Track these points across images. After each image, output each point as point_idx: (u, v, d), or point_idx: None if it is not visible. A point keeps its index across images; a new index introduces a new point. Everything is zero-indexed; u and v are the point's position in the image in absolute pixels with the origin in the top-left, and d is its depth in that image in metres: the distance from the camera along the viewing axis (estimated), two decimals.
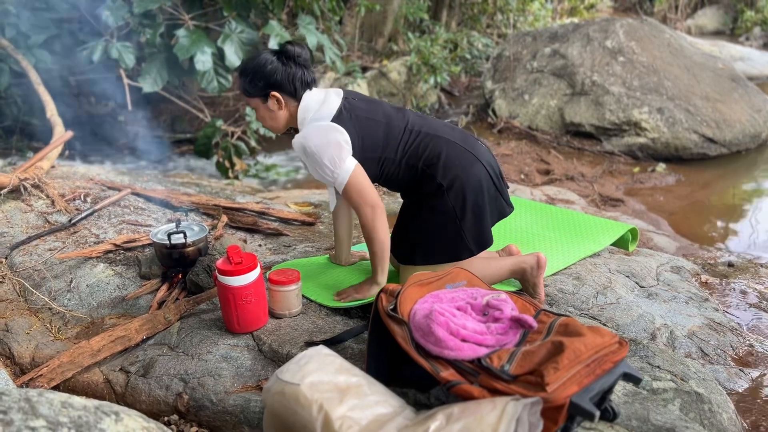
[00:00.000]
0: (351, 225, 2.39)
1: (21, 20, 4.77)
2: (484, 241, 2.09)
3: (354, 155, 1.97)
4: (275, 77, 1.98)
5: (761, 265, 2.91)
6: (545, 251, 2.54)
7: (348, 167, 1.95)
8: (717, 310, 2.33)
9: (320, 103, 2.01)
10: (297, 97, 2.02)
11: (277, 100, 2.00)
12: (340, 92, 2.06)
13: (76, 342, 2.13)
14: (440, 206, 2.02)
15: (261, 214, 3.01)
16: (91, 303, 2.33)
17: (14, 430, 1.08)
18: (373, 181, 2.07)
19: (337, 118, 1.97)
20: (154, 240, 2.29)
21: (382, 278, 2.10)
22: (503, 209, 2.15)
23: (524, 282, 2.14)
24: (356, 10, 7.55)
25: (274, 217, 3.04)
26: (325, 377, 1.37)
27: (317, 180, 2.15)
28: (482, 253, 2.18)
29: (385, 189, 2.20)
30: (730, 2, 13.53)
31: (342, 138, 1.94)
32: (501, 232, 2.74)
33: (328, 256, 2.55)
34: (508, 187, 2.21)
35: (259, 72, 1.98)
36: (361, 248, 2.58)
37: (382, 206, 2.01)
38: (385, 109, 2.09)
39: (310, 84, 2.03)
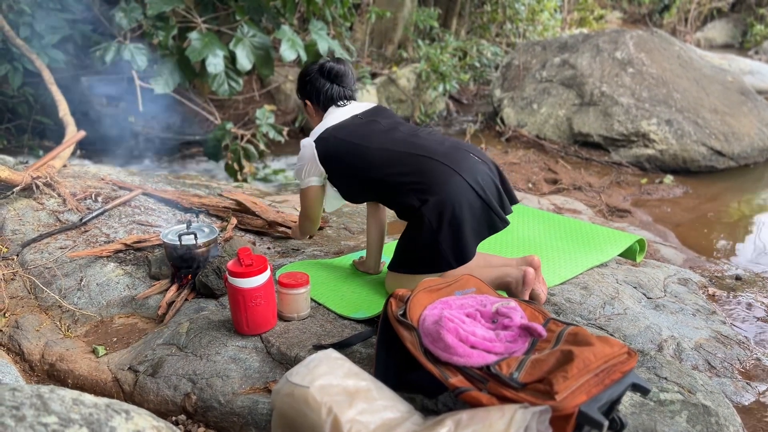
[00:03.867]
0: (383, 234, 2.40)
1: (36, 20, 4.82)
2: (463, 255, 2.06)
3: (331, 176, 2.21)
4: (307, 89, 2.30)
5: None
6: (553, 260, 2.55)
7: (305, 184, 2.25)
8: (724, 323, 2.33)
9: (327, 117, 2.26)
10: (324, 109, 2.29)
11: (310, 107, 2.33)
12: (357, 110, 2.27)
13: (85, 340, 2.15)
14: (418, 220, 2.05)
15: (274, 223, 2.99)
16: (100, 302, 2.34)
17: (26, 426, 1.10)
18: (362, 200, 2.30)
19: (318, 140, 2.18)
20: (165, 240, 2.31)
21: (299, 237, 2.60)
22: (494, 223, 2.11)
23: (510, 296, 2.10)
24: (367, 17, 7.59)
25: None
26: (334, 380, 1.38)
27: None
28: (494, 260, 2.19)
29: None
30: (740, 16, 13.53)
31: (312, 158, 2.18)
32: (509, 240, 2.74)
33: (338, 258, 2.56)
34: (514, 201, 2.19)
35: (301, 82, 2.33)
36: (361, 254, 2.60)
37: (313, 222, 2.35)
38: (370, 130, 2.19)
39: (336, 100, 2.28)
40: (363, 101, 2.29)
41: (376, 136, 2.15)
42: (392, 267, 2.17)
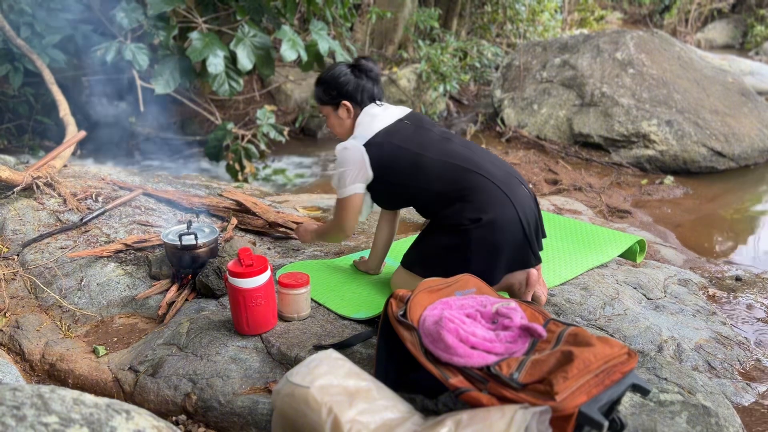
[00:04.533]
0: (392, 238, 2.40)
1: (36, 20, 4.82)
2: (488, 281, 2.02)
3: (376, 183, 2.12)
4: (347, 88, 2.17)
5: None
6: (553, 261, 2.55)
7: (349, 191, 2.13)
8: (724, 323, 2.33)
9: (372, 119, 2.15)
10: (362, 108, 2.19)
11: (347, 109, 2.19)
12: (399, 114, 2.19)
13: (86, 340, 2.15)
14: (458, 236, 2.00)
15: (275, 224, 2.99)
16: (101, 302, 2.34)
17: (27, 426, 1.10)
18: (397, 208, 2.29)
19: (370, 144, 2.09)
20: (165, 241, 2.31)
21: (314, 240, 2.45)
22: (528, 261, 2.08)
23: (512, 297, 2.11)
24: (367, 17, 7.60)
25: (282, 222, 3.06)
26: (334, 381, 1.38)
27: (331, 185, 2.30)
28: None
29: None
30: (740, 17, 13.53)
31: (363, 167, 2.09)
32: None
33: (338, 258, 2.56)
34: (544, 236, 2.17)
35: (333, 81, 2.18)
36: (362, 254, 2.60)
37: (347, 234, 2.23)
38: (426, 138, 2.12)
39: (375, 98, 2.21)
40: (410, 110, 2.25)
41: (434, 146, 2.09)
42: (407, 264, 2.16)
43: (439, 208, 2.06)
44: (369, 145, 2.09)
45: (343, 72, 2.18)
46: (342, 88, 2.17)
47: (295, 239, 2.90)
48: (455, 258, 2.00)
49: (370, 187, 2.16)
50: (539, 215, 2.12)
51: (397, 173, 2.08)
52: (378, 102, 2.21)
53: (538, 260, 2.12)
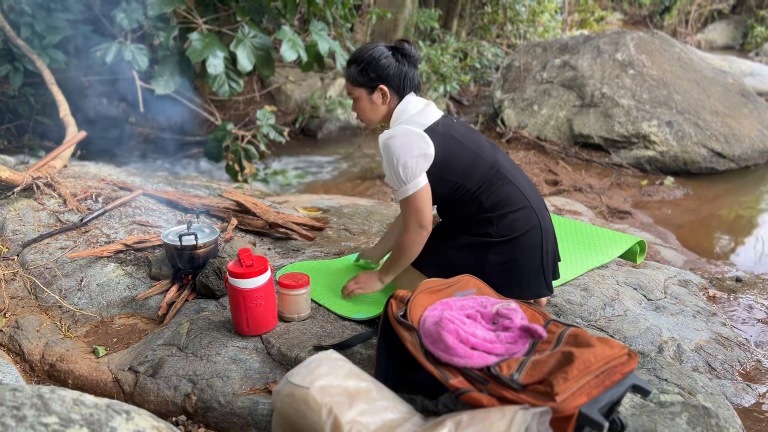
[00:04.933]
0: None
1: (36, 21, 4.82)
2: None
3: (430, 171, 1.93)
4: (388, 71, 1.96)
5: None
6: None
7: (418, 183, 1.91)
8: (724, 324, 2.33)
9: (419, 109, 1.98)
10: (401, 96, 2.00)
11: (384, 94, 1.99)
12: (435, 110, 2.03)
13: (86, 340, 2.15)
14: (483, 248, 1.97)
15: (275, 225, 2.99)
16: (101, 302, 2.34)
17: (27, 426, 1.10)
18: (441, 202, 2.05)
19: (432, 131, 1.93)
20: (165, 241, 2.31)
21: (387, 280, 2.13)
22: (540, 290, 2.03)
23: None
24: (368, 18, 7.60)
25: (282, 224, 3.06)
26: (334, 381, 1.38)
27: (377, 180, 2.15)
28: None
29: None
30: (741, 18, 13.54)
31: (427, 151, 1.90)
32: None
33: (338, 259, 2.56)
34: (559, 260, 2.13)
35: (373, 63, 1.96)
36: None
37: (429, 230, 1.98)
38: (480, 140, 2.04)
39: (415, 87, 2.02)
40: None
41: (486, 150, 2.00)
42: (418, 265, 2.11)
43: (472, 214, 1.99)
44: (431, 131, 1.92)
45: (384, 54, 1.96)
46: (383, 71, 1.96)
47: (295, 240, 2.90)
48: (472, 268, 1.92)
49: None
50: (556, 243, 2.09)
51: (452, 169, 1.94)
52: (417, 87, 2.03)
53: (550, 291, 2.07)
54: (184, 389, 1.80)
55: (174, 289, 2.32)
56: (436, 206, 2.06)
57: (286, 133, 5.57)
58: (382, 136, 1.95)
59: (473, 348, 1.38)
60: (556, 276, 2.10)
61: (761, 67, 9.10)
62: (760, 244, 4.27)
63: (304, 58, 4.92)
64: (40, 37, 4.84)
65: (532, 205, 1.98)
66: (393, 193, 2.03)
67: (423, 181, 1.91)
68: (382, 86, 1.98)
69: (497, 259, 1.96)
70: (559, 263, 2.14)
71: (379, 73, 1.96)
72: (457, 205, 2.02)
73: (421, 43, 7.83)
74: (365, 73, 1.97)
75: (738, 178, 5.63)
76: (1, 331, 2.20)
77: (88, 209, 2.95)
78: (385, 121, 2.07)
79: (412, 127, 1.92)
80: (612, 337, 2.09)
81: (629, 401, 1.61)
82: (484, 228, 1.97)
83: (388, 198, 4.79)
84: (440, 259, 2.06)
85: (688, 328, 2.22)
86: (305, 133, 7.22)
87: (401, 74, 1.97)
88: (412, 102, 1.99)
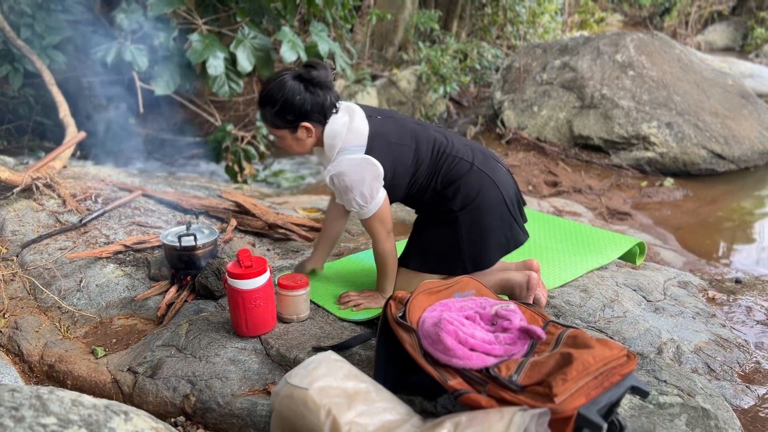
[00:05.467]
0: (342, 231, 2.38)
1: (36, 21, 4.82)
2: (481, 263, 2.09)
3: (384, 184, 1.99)
4: (305, 107, 1.90)
5: None
6: (552, 263, 2.55)
7: (378, 201, 1.97)
8: (724, 326, 2.33)
9: (346, 126, 1.95)
10: (324, 123, 1.96)
11: (307, 129, 1.94)
12: (359, 110, 2.02)
13: (85, 341, 2.14)
14: (448, 224, 2.06)
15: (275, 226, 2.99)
16: (100, 303, 2.34)
17: (26, 427, 1.10)
18: (398, 201, 2.14)
19: (370, 149, 1.94)
20: (164, 242, 2.31)
21: (389, 292, 2.17)
22: (518, 237, 2.13)
23: (512, 299, 2.09)
24: (368, 19, 7.59)
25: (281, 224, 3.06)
26: (333, 382, 1.38)
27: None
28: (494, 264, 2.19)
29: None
30: (741, 19, 13.54)
31: (378, 171, 1.94)
32: None
33: (338, 260, 2.56)
34: (524, 203, 2.21)
35: (288, 104, 1.89)
36: (361, 255, 2.60)
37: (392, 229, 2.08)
38: (411, 129, 2.07)
39: (335, 106, 1.96)
40: (363, 103, 2.16)
41: (421, 137, 2.05)
42: (404, 262, 2.18)
43: (432, 198, 2.08)
44: (370, 150, 1.95)
45: (296, 91, 1.88)
46: (300, 110, 1.90)
47: (295, 240, 2.90)
48: (448, 246, 2.05)
49: None
50: (518, 189, 2.17)
51: (400, 173, 2.02)
52: (336, 107, 1.97)
53: (526, 235, 2.16)
54: (182, 390, 1.80)
55: (173, 289, 2.32)
56: (404, 203, 2.16)
57: None
58: (330, 174, 1.94)
59: (472, 349, 1.38)
60: (524, 218, 2.20)
61: (761, 69, 9.10)
62: (760, 246, 4.27)
63: (304, 58, 4.92)
64: (40, 37, 4.84)
65: (475, 164, 2.05)
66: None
67: (382, 195, 1.98)
68: (304, 123, 1.93)
69: (467, 229, 2.03)
70: (524, 206, 2.21)
71: (297, 113, 1.90)
72: (416, 198, 2.12)
73: (420, 44, 7.83)
74: (282, 116, 1.91)
75: (738, 180, 5.63)
76: (1, 331, 2.20)
77: (88, 210, 2.95)
78: (318, 146, 2.04)
79: (354, 155, 1.93)
80: (611, 338, 2.09)
81: (628, 402, 1.61)
82: (445, 206, 2.05)
83: None
84: (420, 248, 2.14)
85: (687, 330, 2.22)
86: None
87: (319, 105, 1.91)
88: (338, 121, 1.95)
